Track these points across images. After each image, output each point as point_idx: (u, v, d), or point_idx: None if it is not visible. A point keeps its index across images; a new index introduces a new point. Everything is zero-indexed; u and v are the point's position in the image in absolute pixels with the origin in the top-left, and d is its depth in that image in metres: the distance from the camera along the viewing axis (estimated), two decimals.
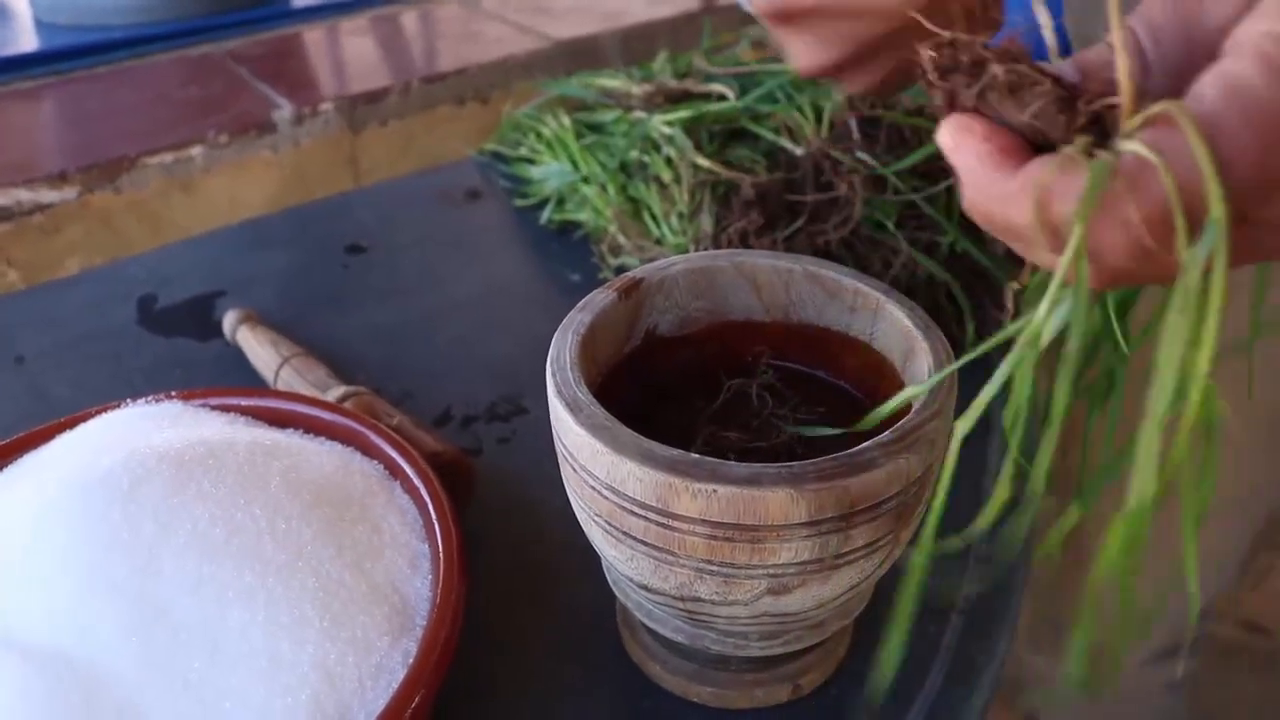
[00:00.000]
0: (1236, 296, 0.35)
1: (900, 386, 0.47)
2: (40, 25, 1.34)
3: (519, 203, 0.94)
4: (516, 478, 0.65)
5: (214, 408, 0.59)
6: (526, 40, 1.28)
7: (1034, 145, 0.34)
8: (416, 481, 0.53)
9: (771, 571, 0.41)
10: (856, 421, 0.46)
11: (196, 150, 1.03)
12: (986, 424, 0.68)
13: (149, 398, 0.59)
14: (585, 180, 0.87)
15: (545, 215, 0.91)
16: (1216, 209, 0.30)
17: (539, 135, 0.96)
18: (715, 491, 0.38)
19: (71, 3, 1.31)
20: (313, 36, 1.34)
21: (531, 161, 0.95)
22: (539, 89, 1.02)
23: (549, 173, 0.90)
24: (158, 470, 0.47)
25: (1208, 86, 0.31)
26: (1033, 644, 1.21)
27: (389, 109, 1.14)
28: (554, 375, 0.44)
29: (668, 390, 0.52)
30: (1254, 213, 0.32)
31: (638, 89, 0.88)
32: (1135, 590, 1.01)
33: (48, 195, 0.97)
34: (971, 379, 0.70)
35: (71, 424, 0.57)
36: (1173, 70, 0.35)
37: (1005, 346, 0.39)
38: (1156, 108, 0.31)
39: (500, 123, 1.05)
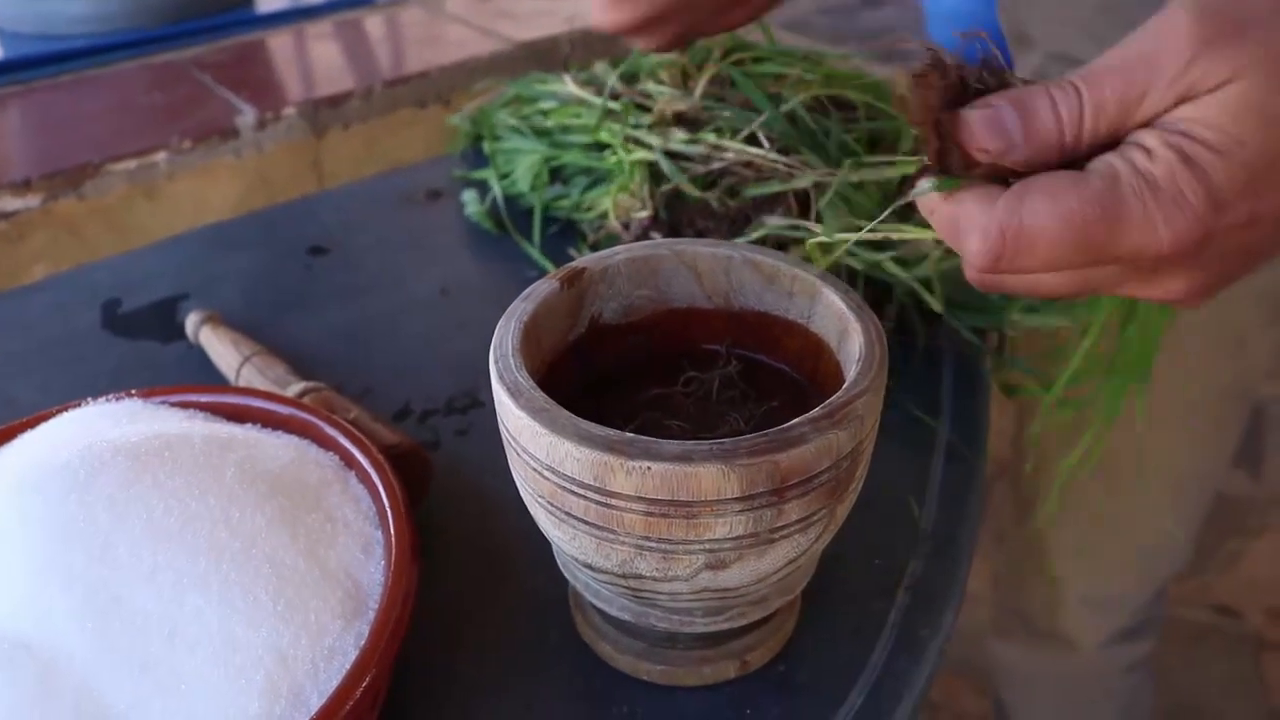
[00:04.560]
0: None
1: (836, 367, 0.49)
2: (3, 34, 1.35)
3: (504, 186, 0.94)
4: (473, 468, 0.66)
5: (173, 404, 0.60)
6: (488, 43, 1.29)
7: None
8: (371, 471, 0.54)
9: (708, 546, 0.42)
10: (797, 401, 0.48)
11: (160, 156, 1.05)
12: (936, 406, 0.70)
13: (109, 396, 0.60)
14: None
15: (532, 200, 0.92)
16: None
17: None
18: (649, 469, 0.40)
19: (35, 12, 1.32)
20: (276, 42, 1.35)
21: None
22: (494, 87, 1.03)
23: (525, 146, 0.91)
24: (114, 462, 0.49)
25: (1094, 165, 0.39)
26: (999, 633, 1.23)
27: (352, 112, 1.16)
28: (496, 361, 0.45)
29: (614, 377, 0.53)
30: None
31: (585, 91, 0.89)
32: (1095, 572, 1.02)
33: (12, 203, 0.98)
34: (925, 368, 0.72)
35: (34, 423, 0.58)
36: (1101, 146, 0.40)
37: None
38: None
39: (458, 126, 1.06)
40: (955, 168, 0.40)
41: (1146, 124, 0.39)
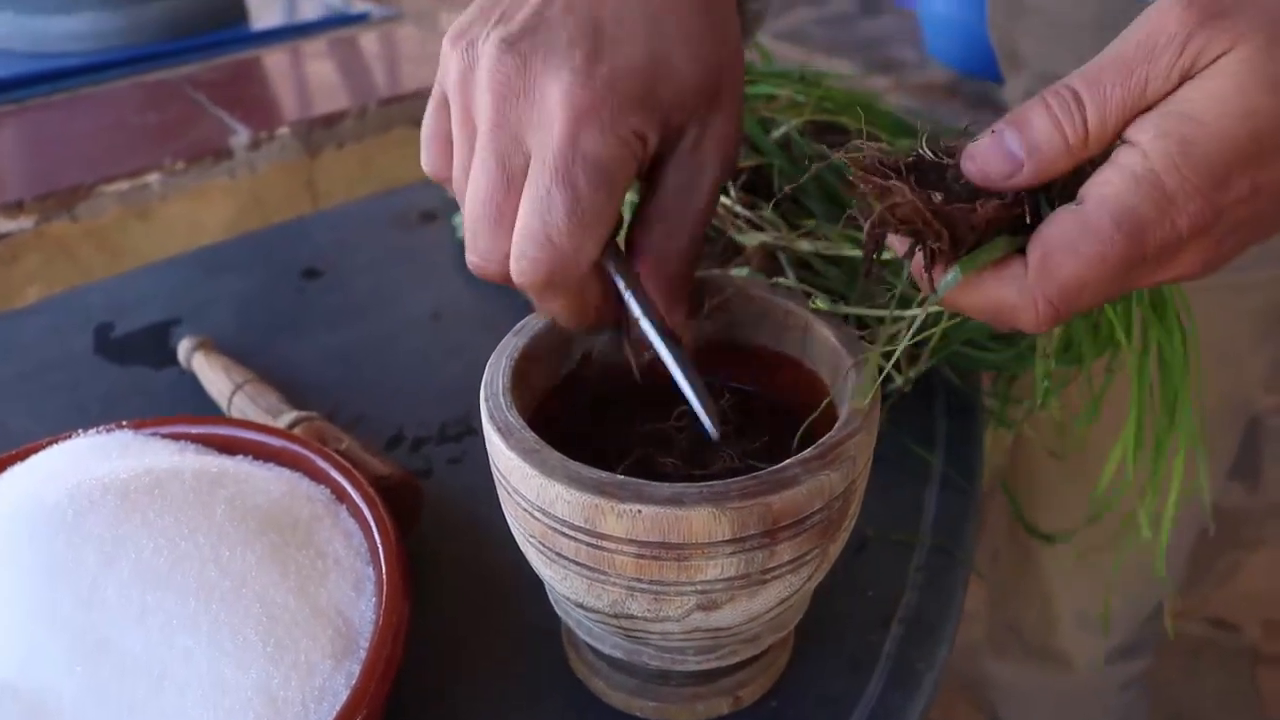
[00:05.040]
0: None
1: (831, 402, 0.49)
2: None
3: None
4: (466, 498, 0.66)
5: (164, 436, 0.60)
6: None
7: None
8: (362, 505, 0.54)
9: (700, 588, 0.42)
10: (792, 436, 0.48)
11: (153, 178, 1.04)
12: (930, 436, 0.69)
13: (100, 428, 0.60)
14: None
15: None
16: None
17: None
18: (640, 512, 0.40)
19: (29, 30, 1.31)
20: (271, 60, 1.34)
21: None
22: None
23: None
24: (102, 501, 0.48)
25: (1090, 191, 0.39)
26: (995, 650, 1.23)
27: (346, 132, 1.16)
28: (487, 400, 0.45)
29: (608, 410, 0.53)
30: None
31: None
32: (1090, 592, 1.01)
33: (4, 225, 0.98)
34: (918, 398, 0.71)
35: (23, 455, 0.58)
36: (1116, 123, 0.39)
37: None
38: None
39: None
40: (965, 239, 0.40)
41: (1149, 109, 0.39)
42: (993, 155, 0.39)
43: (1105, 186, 0.38)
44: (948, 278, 0.40)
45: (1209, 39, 0.37)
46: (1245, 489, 2.06)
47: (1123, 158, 0.38)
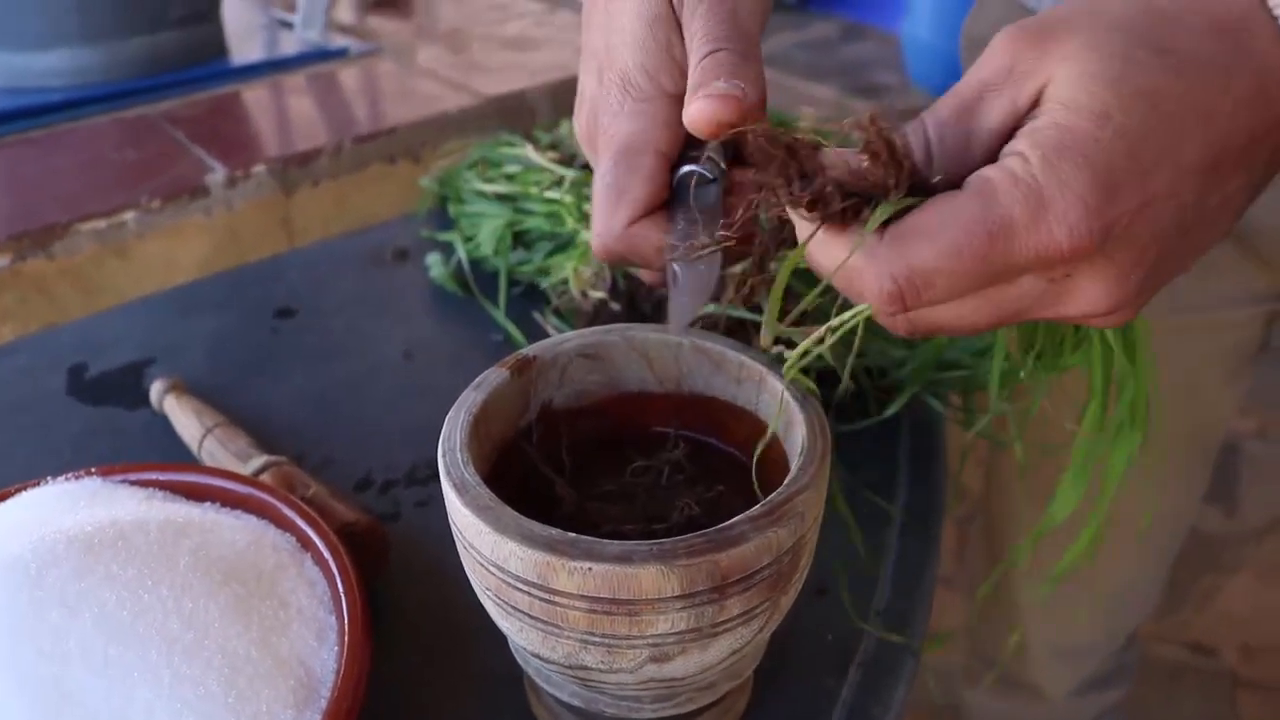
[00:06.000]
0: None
1: (782, 452, 0.50)
2: None
3: (468, 250, 0.95)
4: (433, 542, 0.66)
5: (133, 483, 0.60)
6: (458, 97, 1.30)
7: None
8: (326, 554, 0.55)
9: (651, 641, 0.43)
10: (747, 486, 0.49)
11: (130, 215, 1.05)
12: (891, 480, 0.70)
13: (68, 475, 0.60)
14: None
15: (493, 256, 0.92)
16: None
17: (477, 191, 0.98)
18: (590, 569, 0.40)
19: (7, 65, 1.32)
20: (249, 95, 1.35)
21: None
22: (462, 148, 1.04)
23: (489, 211, 0.92)
24: (66, 555, 0.49)
25: (969, 183, 0.39)
26: (970, 680, 1.24)
27: (321, 169, 1.16)
28: (444, 456, 0.46)
29: (566, 460, 0.54)
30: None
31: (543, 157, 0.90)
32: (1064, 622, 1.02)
33: None
34: (874, 442, 0.72)
35: None
36: (953, 160, 0.40)
37: None
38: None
39: (423, 185, 1.07)
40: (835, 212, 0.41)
41: (1000, 133, 0.40)
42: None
43: (983, 181, 0.39)
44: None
45: (1036, 55, 0.39)
46: (1223, 513, 2.08)
47: (1007, 160, 0.39)
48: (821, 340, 0.45)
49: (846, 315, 0.45)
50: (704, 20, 0.50)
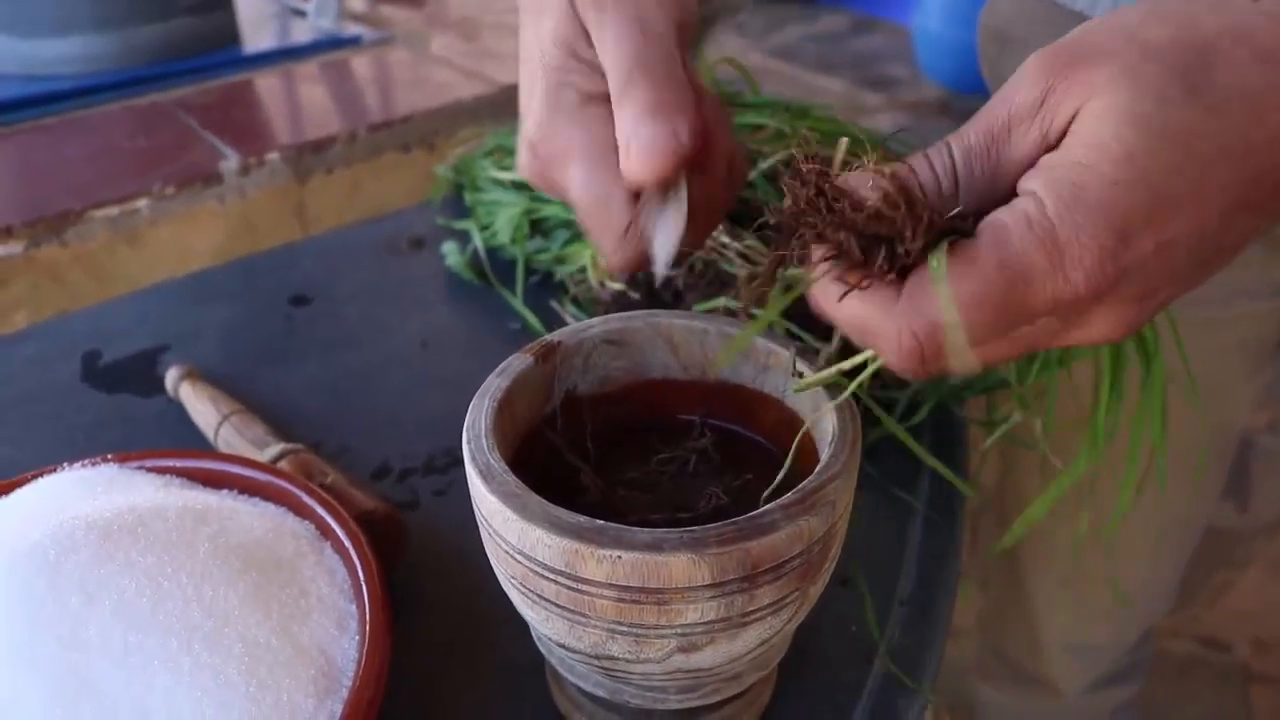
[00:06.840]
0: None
1: (811, 441, 0.49)
2: None
3: (485, 238, 0.94)
4: (452, 530, 0.66)
5: (149, 469, 0.60)
6: (472, 85, 1.29)
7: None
8: (346, 542, 0.54)
9: (680, 631, 0.42)
10: (772, 474, 0.48)
11: (143, 203, 1.04)
12: (915, 469, 0.70)
13: (85, 461, 0.60)
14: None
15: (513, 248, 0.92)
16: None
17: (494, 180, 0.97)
18: (620, 557, 0.40)
19: (19, 53, 1.31)
20: (262, 83, 1.35)
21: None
22: (477, 136, 1.04)
23: (505, 199, 0.91)
24: (85, 541, 0.48)
25: (984, 230, 0.38)
26: (983, 675, 1.23)
27: (335, 157, 1.16)
28: (469, 443, 0.45)
29: (591, 447, 0.53)
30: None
31: None
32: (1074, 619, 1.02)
33: None
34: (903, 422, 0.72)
35: (6, 489, 0.58)
36: (980, 191, 0.40)
37: None
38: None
39: (438, 173, 1.06)
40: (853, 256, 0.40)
41: (1029, 165, 0.39)
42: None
43: (998, 228, 0.38)
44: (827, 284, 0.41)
45: (1067, 86, 0.38)
46: (1235, 508, 2.06)
47: (1020, 203, 0.38)
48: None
49: (857, 359, 0.46)
50: (612, 34, 0.50)
